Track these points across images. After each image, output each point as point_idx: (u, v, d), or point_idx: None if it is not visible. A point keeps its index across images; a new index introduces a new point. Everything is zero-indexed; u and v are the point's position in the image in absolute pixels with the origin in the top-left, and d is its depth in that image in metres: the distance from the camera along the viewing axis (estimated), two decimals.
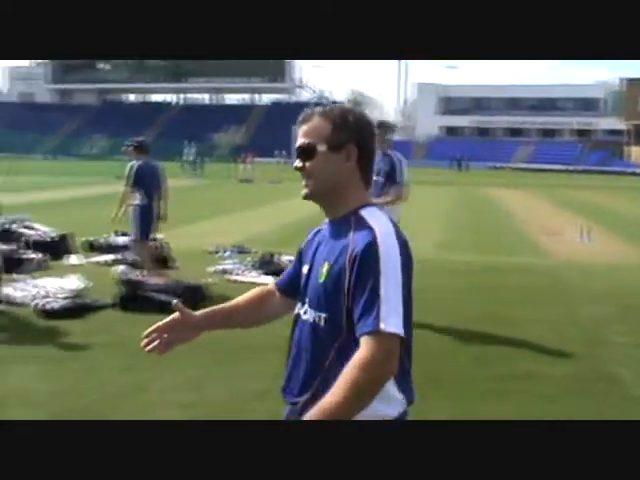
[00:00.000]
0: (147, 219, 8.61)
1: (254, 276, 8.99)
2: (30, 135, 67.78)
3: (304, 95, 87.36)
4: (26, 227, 11.49)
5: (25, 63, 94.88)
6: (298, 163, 1.93)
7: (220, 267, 9.70)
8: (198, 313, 2.14)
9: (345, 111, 1.93)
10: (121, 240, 10.92)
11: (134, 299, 7.19)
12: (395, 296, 1.75)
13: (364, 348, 1.73)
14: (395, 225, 1.88)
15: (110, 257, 10.20)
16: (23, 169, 36.18)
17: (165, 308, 7.48)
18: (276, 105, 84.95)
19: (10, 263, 9.13)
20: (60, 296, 7.35)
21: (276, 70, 79.77)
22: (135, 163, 8.60)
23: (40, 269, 9.31)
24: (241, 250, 11.27)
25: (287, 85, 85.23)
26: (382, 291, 1.73)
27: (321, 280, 1.88)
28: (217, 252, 11.10)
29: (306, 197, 1.95)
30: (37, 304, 6.99)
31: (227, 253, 10.97)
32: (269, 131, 71.79)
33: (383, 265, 1.75)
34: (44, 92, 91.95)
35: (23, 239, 10.49)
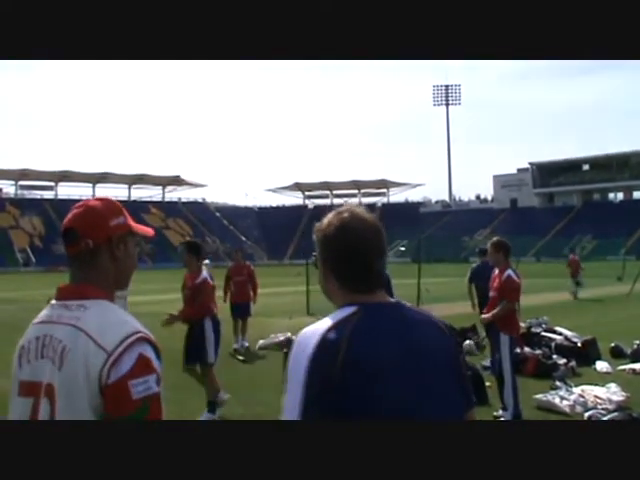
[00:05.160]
0: None
1: None
2: (520, 238, 70.52)
3: None
4: (548, 330, 11.58)
5: (512, 170, 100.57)
6: None
7: None
8: None
9: (318, 225, 1.85)
10: None
11: None
12: (290, 410, 1.59)
13: None
14: (340, 329, 1.61)
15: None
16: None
17: None
18: None
19: (541, 368, 9.23)
20: (607, 407, 7.05)
21: None
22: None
23: (569, 375, 9.15)
24: None
25: None
26: (283, 401, 1.62)
27: None
28: None
29: None
30: (590, 416, 6.80)
31: None
32: None
33: (289, 373, 1.63)
34: (528, 197, 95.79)
35: (549, 343, 10.56)
